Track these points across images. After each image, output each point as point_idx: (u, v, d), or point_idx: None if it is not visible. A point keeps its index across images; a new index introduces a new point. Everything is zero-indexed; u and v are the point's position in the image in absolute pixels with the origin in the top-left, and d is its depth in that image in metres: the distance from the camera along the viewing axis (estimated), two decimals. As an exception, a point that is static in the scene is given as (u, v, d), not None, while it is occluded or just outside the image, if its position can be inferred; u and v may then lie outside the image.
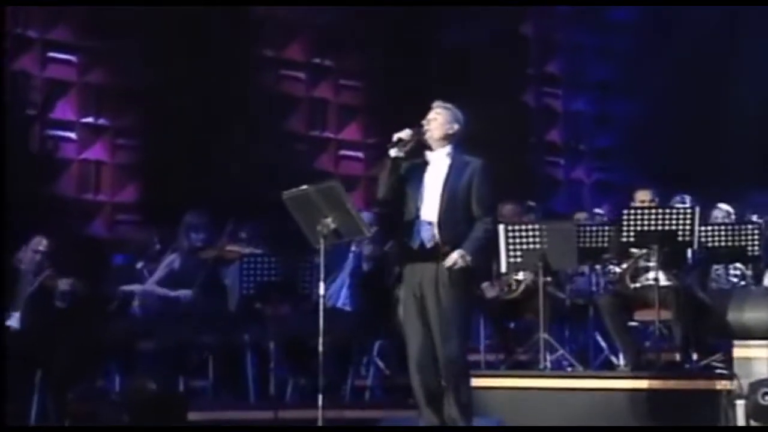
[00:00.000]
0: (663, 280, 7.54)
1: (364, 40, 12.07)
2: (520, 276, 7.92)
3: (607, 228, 7.92)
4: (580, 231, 7.82)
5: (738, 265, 8.13)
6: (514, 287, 7.98)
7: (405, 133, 5.99)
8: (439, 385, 5.97)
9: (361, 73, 12.24)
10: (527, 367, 7.71)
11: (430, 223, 5.93)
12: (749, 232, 7.80)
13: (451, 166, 6.01)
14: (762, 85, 12.24)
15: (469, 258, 5.86)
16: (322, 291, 5.90)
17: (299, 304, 7.70)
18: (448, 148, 6.06)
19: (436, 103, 6.12)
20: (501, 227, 7.53)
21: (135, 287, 7.90)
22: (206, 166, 10.59)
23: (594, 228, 7.96)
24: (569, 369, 7.71)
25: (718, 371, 7.23)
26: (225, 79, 10.85)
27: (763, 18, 12.42)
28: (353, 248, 7.91)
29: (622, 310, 7.59)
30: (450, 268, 5.84)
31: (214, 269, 7.72)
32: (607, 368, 7.87)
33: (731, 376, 6.93)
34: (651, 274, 7.63)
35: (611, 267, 7.81)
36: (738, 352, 6.97)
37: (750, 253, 7.83)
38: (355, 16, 11.73)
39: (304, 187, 5.80)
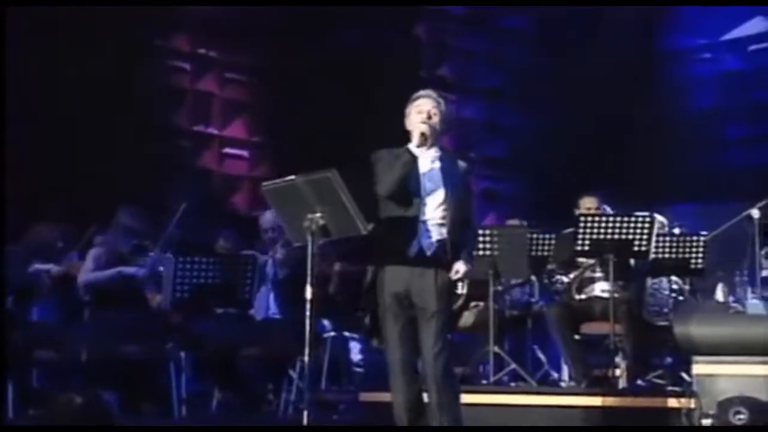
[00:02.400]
0: (610, 292, 7.26)
1: (253, 33, 11.41)
2: (459, 289, 7.45)
3: (554, 236, 7.55)
4: (531, 239, 7.42)
5: (674, 278, 7.90)
6: (454, 300, 7.50)
7: (426, 128, 5.45)
8: (421, 399, 5.43)
9: (248, 67, 11.61)
10: (470, 382, 7.26)
11: (433, 228, 5.43)
12: (694, 244, 7.58)
13: (444, 165, 5.52)
14: (666, 97, 12.28)
15: (466, 274, 5.43)
16: (309, 294, 5.25)
17: (229, 311, 7.00)
18: (437, 146, 5.56)
19: (428, 93, 5.59)
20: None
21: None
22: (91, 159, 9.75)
23: (544, 236, 7.58)
24: (513, 384, 7.32)
25: (672, 389, 6.98)
26: (109, 68, 10.04)
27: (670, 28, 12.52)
28: (270, 254, 7.26)
29: (569, 323, 7.27)
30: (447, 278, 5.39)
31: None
32: (547, 383, 7.52)
33: (690, 394, 6.64)
34: (597, 286, 7.35)
35: (558, 277, 7.44)
36: (698, 368, 6.69)
37: (693, 266, 7.62)
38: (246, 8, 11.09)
39: (291, 177, 5.16)
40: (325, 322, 8.52)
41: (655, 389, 7.06)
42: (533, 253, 7.42)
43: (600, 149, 11.82)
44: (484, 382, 7.20)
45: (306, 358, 5.19)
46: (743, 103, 12.79)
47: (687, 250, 7.56)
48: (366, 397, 6.97)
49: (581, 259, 7.33)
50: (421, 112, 5.53)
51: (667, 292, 7.74)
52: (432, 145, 5.52)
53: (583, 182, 10.89)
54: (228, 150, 11.55)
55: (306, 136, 11.34)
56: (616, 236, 7.00)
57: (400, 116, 11.58)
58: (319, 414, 7.40)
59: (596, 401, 6.76)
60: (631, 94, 12.10)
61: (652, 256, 7.39)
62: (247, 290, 6.65)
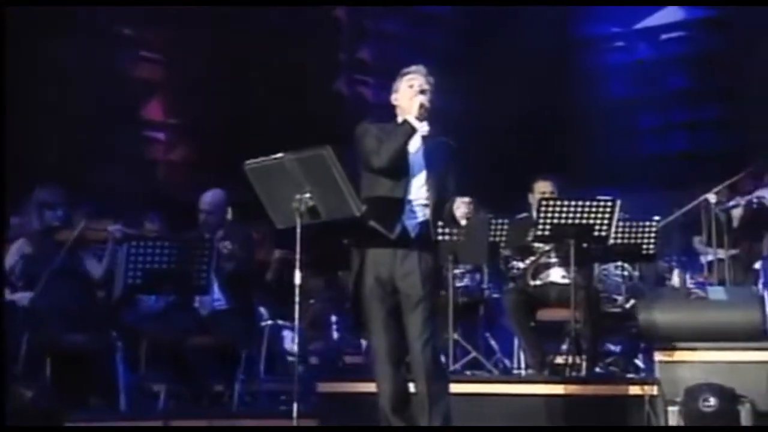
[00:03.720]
0: (564, 278, 7.17)
1: (169, 11, 10.97)
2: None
3: (508, 222, 7.40)
4: (490, 224, 7.26)
5: (621, 263, 7.85)
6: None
7: (426, 100, 5.24)
8: (407, 390, 5.21)
9: (164, 46, 11.17)
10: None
11: (418, 208, 5.20)
12: (646, 230, 7.51)
13: (430, 145, 5.31)
14: (581, 85, 12.31)
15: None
16: (297, 280, 4.96)
17: (184, 300, 6.64)
18: (425, 124, 5.32)
19: (419, 69, 5.37)
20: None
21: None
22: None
23: (497, 222, 7.42)
24: (468, 373, 7.15)
25: (631, 376, 6.91)
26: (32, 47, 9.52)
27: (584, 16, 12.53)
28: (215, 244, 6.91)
29: (525, 309, 7.13)
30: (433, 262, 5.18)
31: (74, 255, 6.52)
32: (500, 371, 7.37)
33: (653, 381, 6.57)
34: (553, 272, 7.24)
35: (514, 263, 7.29)
36: (660, 355, 6.62)
37: (645, 252, 7.56)
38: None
39: (279, 155, 4.85)
40: (263, 310, 8.22)
41: (616, 377, 6.97)
42: (490, 239, 7.25)
43: (520, 137, 11.77)
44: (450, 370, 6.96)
45: (296, 347, 4.87)
46: (656, 91, 12.92)
47: (639, 235, 7.49)
48: (324, 387, 6.70)
49: (537, 245, 7.19)
50: (413, 86, 5.28)
51: (619, 279, 7.67)
52: (421, 122, 5.29)
53: (505, 169, 10.89)
54: (144, 132, 11.09)
55: (224, 117, 10.99)
56: (576, 221, 6.87)
57: (321, 97, 11.50)
58: (272, 404, 7.15)
59: (559, 389, 6.62)
60: (548, 82, 12.07)
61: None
62: (203, 276, 6.28)
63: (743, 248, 8.15)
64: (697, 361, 6.52)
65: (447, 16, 12.62)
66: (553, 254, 7.23)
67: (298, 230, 4.89)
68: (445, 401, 5.18)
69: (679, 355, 6.57)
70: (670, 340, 6.62)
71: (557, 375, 6.85)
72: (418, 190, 5.21)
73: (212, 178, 10.05)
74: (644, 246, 7.53)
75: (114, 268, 6.43)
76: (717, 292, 6.83)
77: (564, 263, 7.18)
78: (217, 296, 6.83)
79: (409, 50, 12.59)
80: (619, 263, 7.81)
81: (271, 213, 4.95)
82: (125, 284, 6.18)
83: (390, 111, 12.58)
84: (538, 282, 7.24)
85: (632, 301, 7.57)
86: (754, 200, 7.43)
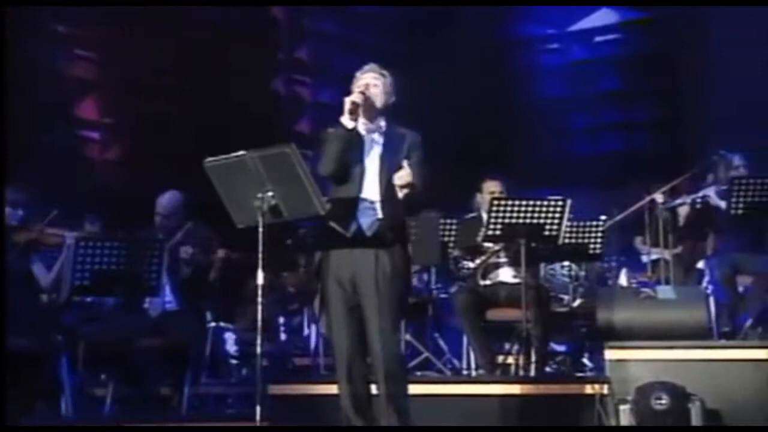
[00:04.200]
0: (513, 278, 7.18)
1: (105, 9, 10.77)
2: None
3: (457, 222, 7.39)
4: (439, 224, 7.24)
5: (566, 263, 7.88)
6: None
7: (358, 97, 5.16)
8: (368, 391, 5.16)
9: (99, 44, 10.98)
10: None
11: (372, 205, 5.14)
12: (593, 230, 7.55)
13: (386, 141, 5.26)
14: (516, 86, 12.35)
15: (411, 180, 5.06)
16: (260, 280, 4.87)
17: (132, 301, 6.49)
18: (381, 120, 5.29)
19: (371, 67, 5.34)
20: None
21: None
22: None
23: (445, 222, 7.40)
24: (418, 374, 7.12)
25: (580, 375, 6.94)
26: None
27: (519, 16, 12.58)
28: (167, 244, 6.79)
29: (476, 309, 7.12)
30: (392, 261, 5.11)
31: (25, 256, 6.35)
32: (451, 371, 7.36)
33: (603, 380, 6.59)
34: (502, 271, 7.24)
35: (464, 263, 7.27)
36: (610, 354, 6.65)
37: (591, 252, 7.59)
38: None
39: (241, 153, 4.76)
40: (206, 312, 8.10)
41: (566, 376, 6.99)
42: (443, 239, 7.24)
43: (456, 137, 11.77)
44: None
45: (258, 349, 4.79)
46: (589, 92, 13.04)
47: (586, 235, 7.52)
48: (276, 390, 6.60)
49: (487, 245, 7.18)
50: (359, 87, 5.23)
51: (566, 278, 7.70)
52: (374, 118, 5.23)
53: (443, 169, 10.88)
54: (78, 132, 10.88)
55: (159, 117, 10.84)
56: (527, 220, 6.87)
57: (259, 96, 11.39)
58: (219, 407, 7.04)
59: (511, 389, 6.61)
60: (484, 82, 12.10)
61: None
62: (154, 277, 6.15)
63: (686, 247, 8.23)
64: (647, 360, 6.56)
65: (384, 16, 12.58)
66: (502, 254, 7.22)
67: (261, 229, 4.80)
68: (403, 403, 5.14)
69: (629, 354, 6.61)
70: (624, 339, 6.66)
71: (508, 375, 6.84)
72: (373, 187, 5.16)
73: (148, 177, 10.01)
74: (590, 246, 7.56)
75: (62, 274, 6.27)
76: (666, 292, 6.89)
77: (513, 263, 7.18)
78: (168, 298, 6.71)
79: (346, 50, 12.56)
80: (565, 263, 7.84)
81: (231, 212, 4.86)
82: (72, 285, 6.02)
83: (327, 111, 12.58)
84: (487, 282, 7.22)
85: (579, 301, 7.60)
86: (698, 199, 7.50)
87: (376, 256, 5.09)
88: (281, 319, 8.65)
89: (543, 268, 7.75)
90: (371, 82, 5.27)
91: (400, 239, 5.20)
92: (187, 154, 10.29)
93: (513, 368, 7.12)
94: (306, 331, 8.24)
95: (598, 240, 7.55)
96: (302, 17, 12.30)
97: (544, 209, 6.90)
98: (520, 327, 6.88)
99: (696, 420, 6.25)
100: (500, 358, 7.19)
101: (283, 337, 8.52)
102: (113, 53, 10.97)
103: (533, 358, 6.90)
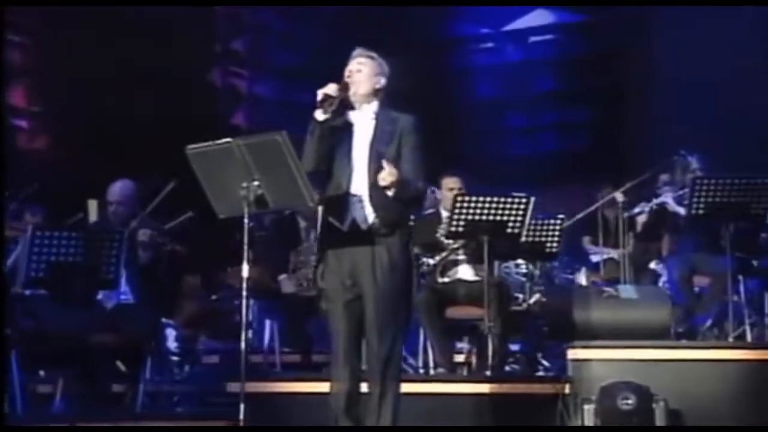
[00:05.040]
0: (473, 275, 7.09)
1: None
2: (322, 272, 7.01)
3: (414, 219, 7.24)
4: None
5: (520, 261, 7.82)
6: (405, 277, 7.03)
7: (331, 89, 4.95)
8: (359, 389, 5.02)
9: (30, 30, 10.60)
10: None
11: (362, 199, 4.99)
12: (551, 228, 7.50)
13: (376, 128, 5.07)
14: (451, 84, 12.29)
15: (396, 179, 4.87)
16: (245, 272, 4.67)
17: (86, 294, 6.22)
18: (374, 106, 5.12)
19: (358, 52, 5.15)
20: (320, 210, 6.57)
21: None
22: None
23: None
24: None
25: (540, 374, 6.88)
26: None
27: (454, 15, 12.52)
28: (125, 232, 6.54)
29: (435, 307, 7.01)
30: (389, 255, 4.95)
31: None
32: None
33: (565, 380, 6.54)
34: (461, 269, 7.15)
35: (424, 260, 7.15)
36: (572, 353, 6.60)
37: (548, 250, 7.55)
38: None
39: (227, 139, 4.56)
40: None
41: (527, 375, 6.91)
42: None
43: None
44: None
45: (243, 344, 4.60)
46: (524, 93, 13.04)
47: (544, 233, 7.47)
48: (234, 388, 6.38)
49: (447, 241, 7.07)
50: (345, 74, 5.09)
51: (521, 277, 7.64)
52: (362, 105, 5.08)
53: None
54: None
55: (90, 106, 10.51)
56: (491, 217, 6.79)
57: (196, 88, 11.11)
58: (167, 404, 6.81)
59: (472, 388, 6.51)
60: (420, 80, 11.98)
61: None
62: (112, 270, 5.89)
63: (638, 248, 8.23)
64: (609, 360, 6.53)
65: (321, 11, 12.39)
66: (461, 251, 7.12)
67: (246, 220, 4.61)
68: (395, 402, 5.01)
69: (590, 353, 6.56)
70: (587, 338, 6.62)
71: (467, 374, 6.75)
72: (362, 180, 5.00)
73: (77, 168, 9.69)
74: (548, 244, 7.51)
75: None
76: (628, 291, 6.86)
77: (472, 260, 7.09)
78: (123, 289, 6.45)
79: (283, 43, 12.36)
80: (520, 261, 7.78)
81: (213, 201, 4.66)
82: (28, 277, 5.74)
83: (264, 104, 12.35)
84: (446, 279, 7.12)
85: (535, 299, 7.54)
86: (653, 206, 7.50)
87: (372, 250, 4.95)
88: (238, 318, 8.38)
89: (497, 266, 7.66)
90: (354, 68, 5.11)
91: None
92: (121, 145, 10.14)
93: (470, 367, 7.03)
94: (254, 328, 8.01)
95: (555, 238, 7.51)
96: (239, 9, 12.04)
97: (508, 206, 6.82)
98: (480, 325, 6.80)
99: (660, 420, 6.24)
100: (466, 357, 7.09)
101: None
102: (44, 39, 10.61)
103: (491, 356, 6.82)
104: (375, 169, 4.95)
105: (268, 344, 7.53)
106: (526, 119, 13.09)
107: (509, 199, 6.81)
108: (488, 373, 6.74)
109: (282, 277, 7.10)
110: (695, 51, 10.41)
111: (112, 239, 5.92)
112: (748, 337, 7.04)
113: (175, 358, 8.43)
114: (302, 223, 7.30)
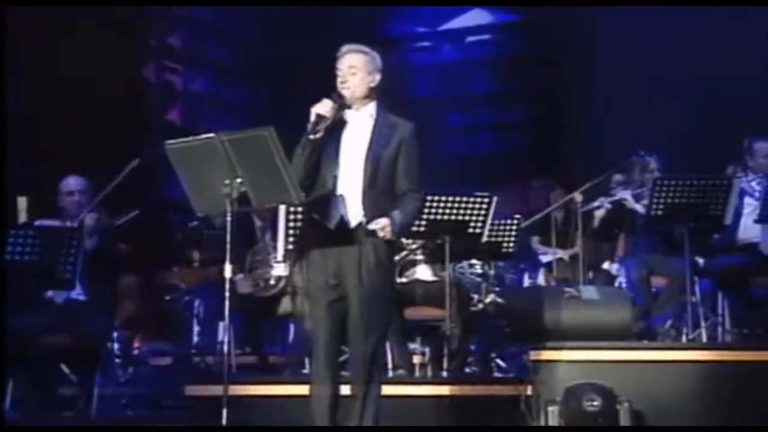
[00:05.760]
0: (431, 276, 6.99)
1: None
2: (281, 271, 6.86)
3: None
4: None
5: (474, 261, 7.74)
6: (272, 282, 6.89)
7: (326, 108, 4.80)
8: (339, 393, 4.90)
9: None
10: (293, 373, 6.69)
11: (354, 198, 4.87)
12: (508, 228, 7.44)
13: (374, 130, 4.94)
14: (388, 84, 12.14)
15: (397, 229, 4.82)
16: (228, 273, 4.49)
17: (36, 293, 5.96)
18: (371, 105, 4.99)
19: (348, 48, 4.99)
20: (282, 208, 6.41)
21: None
22: None
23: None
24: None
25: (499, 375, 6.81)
26: None
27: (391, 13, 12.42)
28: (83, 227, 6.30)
29: (396, 308, 6.86)
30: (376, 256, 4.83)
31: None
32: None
33: (528, 381, 6.47)
34: (419, 269, 7.04)
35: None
36: (534, 354, 6.54)
37: (504, 250, 7.48)
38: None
39: (210, 134, 4.37)
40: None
41: (489, 376, 6.83)
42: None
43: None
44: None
45: (225, 347, 4.42)
46: (462, 92, 12.98)
47: (501, 234, 7.40)
48: (193, 390, 6.20)
49: (406, 241, 6.95)
50: (339, 76, 4.93)
51: (475, 277, 7.56)
52: (359, 107, 4.93)
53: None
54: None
55: (22, 100, 10.16)
56: (453, 217, 6.69)
57: (127, 81, 10.81)
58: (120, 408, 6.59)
59: (436, 390, 6.41)
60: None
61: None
62: (69, 269, 5.64)
63: (590, 248, 8.20)
64: (571, 361, 6.49)
65: (257, 8, 12.17)
66: (419, 251, 7.01)
67: (229, 218, 4.43)
68: (376, 400, 4.94)
69: (553, 354, 6.51)
70: (548, 339, 6.57)
71: (426, 375, 6.65)
72: (356, 180, 4.88)
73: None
74: (504, 244, 7.45)
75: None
76: (589, 292, 6.82)
77: (430, 260, 7.00)
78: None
79: (218, 39, 12.13)
80: (474, 261, 7.70)
81: (192, 198, 4.47)
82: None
83: (198, 100, 12.10)
84: (404, 280, 7.00)
85: (490, 299, 7.46)
86: (612, 202, 7.48)
87: (359, 249, 4.84)
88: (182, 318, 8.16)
89: (450, 266, 7.56)
90: (347, 70, 4.96)
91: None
92: (54, 141, 9.81)
93: (429, 368, 6.93)
94: (197, 328, 7.79)
95: (512, 239, 7.44)
96: (175, 3, 11.77)
97: (470, 206, 6.74)
98: (442, 326, 6.70)
99: (624, 421, 6.21)
100: (416, 358, 6.98)
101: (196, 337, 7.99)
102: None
103: (452, 358, 6.72)
104: (372, 171, 4.87)
105: (220, 346, 7.31)
106: (464, 119, 13.03)
107: (471, 199, 6.73)
108: (445, 374, 6.66)
109: (238, 277, 6.91)
110: (635, 50, 10.46)
111: (70, 236, 5.67)
112: (704, 338, 7.04)
113: (117, 360, 8.17)
114: (258, 222, 7.10)
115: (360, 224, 4.87)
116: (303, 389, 5.99)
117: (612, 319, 6.65)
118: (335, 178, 4.85)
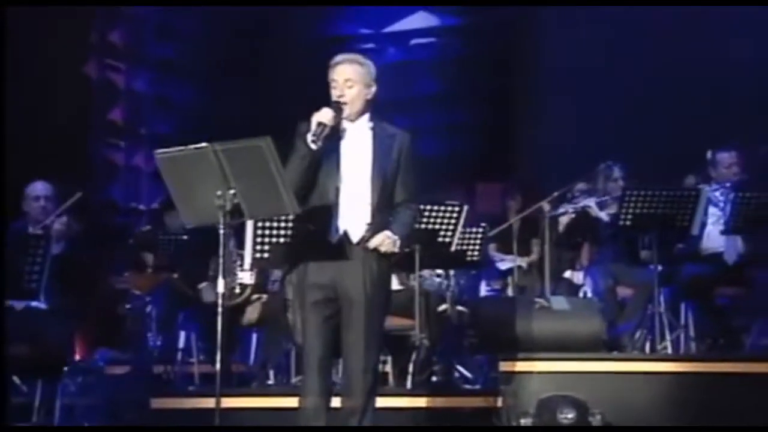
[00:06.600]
0: (397, 285, 6.86)
1: None
2: (246, 279, 6.69)
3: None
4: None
5: (439, 270, 7.64)
6: (237, 291, 6.71)
7: (326, 116, 4.66)
8: (330, 406, 4.80)
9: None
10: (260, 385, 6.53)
11: (361, 211, 4.75)
12: (473, 236, 7.34)
13: (375, 142, 4.84)
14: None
15: (398, 243, 4.72)
16: (221, 288, 4.31)
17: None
18: (366, 116, 4.86)
19: (343, 58, 4.86)
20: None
21: None
22: None
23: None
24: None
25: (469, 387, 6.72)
26: None
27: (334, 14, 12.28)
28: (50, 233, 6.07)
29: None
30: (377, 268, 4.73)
31: None
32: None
33: (498, 393, 6.39)
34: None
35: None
36: (504, 366, 6.45)
37: (470, 259, 7.38)
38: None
39: (203, 144, 4.19)
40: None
41: (459, 388, 6.74)
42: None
43: (275, 136, 11.31)
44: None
45: (218, 365, 4.24)
46: (405, 95, 12.87)
47: (466, 242, 7.30)
48: (158, 404, 6.00)
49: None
50: (334, 87, 4.77)
51: (437, 286, 7.45)
52: (358, 118, 4.83)
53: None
54: None
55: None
56: (423, 226, 6.58)
57: (71, 78, 10.50)
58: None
59: (403, 402, 6.30)
60: (299, 80, 11.70)
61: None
62: (35, 278, 5.39)
63: (551, 256, 8.14)
64: (543, 372, 6.43)
65: (202, 6, 11.93)
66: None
67: (221, 230, 4.25)
68: (371, 414, 4.84)
69: (525, 366, 6.44)
70: (519, 350, 6.50)
71: (394, 387, 6.54)
72: (364, 192, 4.77)
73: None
74: (469, 253, 7.35)
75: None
76: (560, 302, 6.76)
77: (395, 269, 6.84)
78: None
79: (161, 37, 11.86)
80: (437, 270, 7.60)
81: (181, 209, 4.28)
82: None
83: (141, 100, 11.80)
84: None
85: (455, 309, 7.37)
86: (577, 209, 7.43)
87: (363, 263, 4.73)
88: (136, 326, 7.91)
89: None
90: (343, 83, 4.82)
91: None
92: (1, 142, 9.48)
93: (391, 379, 6.80)
94: (156, 338, 7.56)
95: (477, 247, 7.35)
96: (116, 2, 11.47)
97: (440, 215, 6.64)
98: (411, 336, 6.58)
99: (597, 432, 6.15)
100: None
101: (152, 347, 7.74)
102: None
103: (420, 369, 6.61)
104: (381, 185, 4.78)
105: (180, 356, 7.12)
106: (408, 121, 12.89)
107: (442, 208, 6.64)
108: (409, 385, 6.55)
109: (202, 285, 6.72)
110: (590, 52, 10.43)
111: (34, 245, 5.42)
112: (669, 348, 7.02)
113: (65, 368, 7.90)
114: (222, 229, 6.89)
115: (363, 238, 4.76)
116: (276, 401, 5.93)
117: (583, 330, 6.61)
118: (337, 189, 4.72)
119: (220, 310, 4.33)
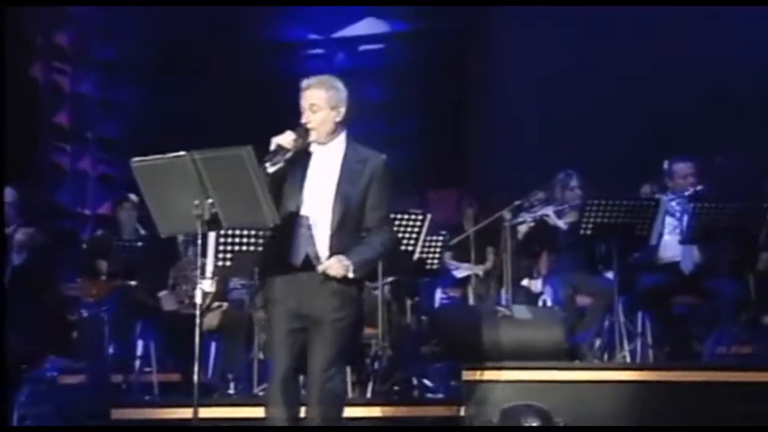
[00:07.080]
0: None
1: None
2: (207, 287, 6.57)
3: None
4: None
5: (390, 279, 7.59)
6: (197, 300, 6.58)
7: (286, 139, 4.61)
8: (298, 414, 4.76)
9: None
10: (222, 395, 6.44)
11: (322, 236, 4.69)
12: (433, 244, 7.33)
13: (343, 166, 4.77)
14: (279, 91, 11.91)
15: (352, 270, 4.65)
16: (198, 299, 4.23)
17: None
18: (340, 137, 4.81)
19: (307, 83, 4.83)
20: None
21: None
22: None
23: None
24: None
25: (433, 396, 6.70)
26: None
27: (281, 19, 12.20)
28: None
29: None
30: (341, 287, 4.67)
31: None
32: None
33: (460, 402, 6.37)
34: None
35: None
36: (468, 375, 6.44)
37: (429, 267, 7.37)
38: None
39: (182, 153, 4.10)
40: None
41: (422, 397, 6.70)
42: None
43: (219, 142, 11.19)
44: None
45: (195, 375, 4.16)
46: (354, 101, 12.78)
47: (425, 250, 7.28)
48: (119, 414, 5.89)
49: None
50: (302, 112, 4.80)
51: (400, 296, 7.42)
52: (326, 140, 4.76)
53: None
54: None
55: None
56: (387, 234, 6.51)
57: (16, 83, 10.29)
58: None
59: (372, 411, 6.26)
60: (246, 85, 11.62)
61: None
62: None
63: (509, 265, 8.13)
64: (506, 381, 6.42)
65: (148, 7, 11.77)
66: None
67: (200, 241, 4.17)
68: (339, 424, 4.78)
69: (488, 375, 6.43)
70: (482, 359, 6.49)
71: (357, 396, 6.50)
72: (324, 217, 4.71)
73: None
74: (429, 261, 7.33)
75: None
76: (522, 311, 6.76)
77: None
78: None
79: (107, 39, 11.67)
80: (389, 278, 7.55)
81: (156, 219, 4.19)
82: None
83: (86, 103, 11.59)
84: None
85: (415, 317, 7.35)
86: (529, 219, 7.45)
87: (326, 285, 4.67)
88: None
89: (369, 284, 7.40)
90: (309, 109, 4.80)
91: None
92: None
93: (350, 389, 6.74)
94: (111, 347, 7.40)
95: (437, 255, 7.34)
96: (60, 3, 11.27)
97: (404, 224, 6.62)
98: (372, 345, 6.54)
99: (560, 441, 6.16)
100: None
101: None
102: None
103: (383, 378, 6.58)
104: (341, 212, 4.70)
105: (139, 366, 6.99)
106: (357, 129, 12.83)
107: (405, 216, 6.61)
108: (369, 395, 6.52)
109: (162, 293, 6.61)
110: (536, 57, 10.43)
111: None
112: (627, 357, 7.06)
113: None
114: (180, 237, 6.81)
115: (325, 258, 4.72)
116: (239, 411, 5.85)
117: (544, 339, 6.62)
118: (298, 212, 4.68)
119: (198, 321, 4.25)
